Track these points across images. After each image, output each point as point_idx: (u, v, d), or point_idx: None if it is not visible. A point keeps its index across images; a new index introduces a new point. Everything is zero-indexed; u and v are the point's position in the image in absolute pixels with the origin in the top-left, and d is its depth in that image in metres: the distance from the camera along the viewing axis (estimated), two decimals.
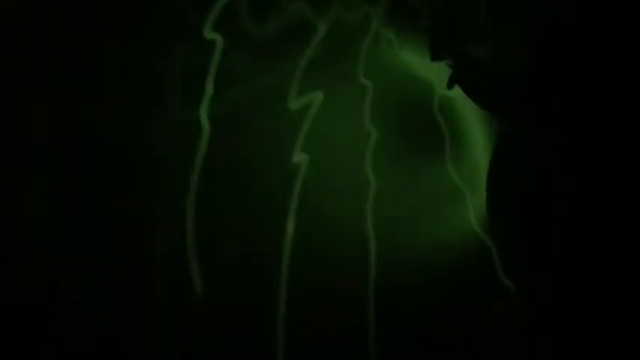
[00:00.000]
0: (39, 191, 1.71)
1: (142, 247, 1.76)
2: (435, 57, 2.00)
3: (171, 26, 1.93)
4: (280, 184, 1.91)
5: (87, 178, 1.76)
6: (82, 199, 1.74)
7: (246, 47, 2.01)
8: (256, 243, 1.85)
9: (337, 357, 1.83)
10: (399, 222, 1.98)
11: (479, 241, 2.04)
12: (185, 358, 1.72)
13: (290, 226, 1.87)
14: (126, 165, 1.80)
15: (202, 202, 1.82)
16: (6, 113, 1.74)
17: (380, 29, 2.23)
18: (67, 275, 1.68)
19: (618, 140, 1.98)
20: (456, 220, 2.06)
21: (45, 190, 1.71)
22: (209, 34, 1.96)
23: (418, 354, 1.89)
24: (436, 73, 2.23)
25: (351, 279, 1.89)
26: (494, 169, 2.02)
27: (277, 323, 1.78)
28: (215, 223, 1.83)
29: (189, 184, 1.83)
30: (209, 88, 1.92)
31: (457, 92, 2.20)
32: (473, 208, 2.10)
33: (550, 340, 1.92)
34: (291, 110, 2.00)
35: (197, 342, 1.73)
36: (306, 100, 2.02)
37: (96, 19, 1.86)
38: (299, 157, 1.94)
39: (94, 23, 1.86)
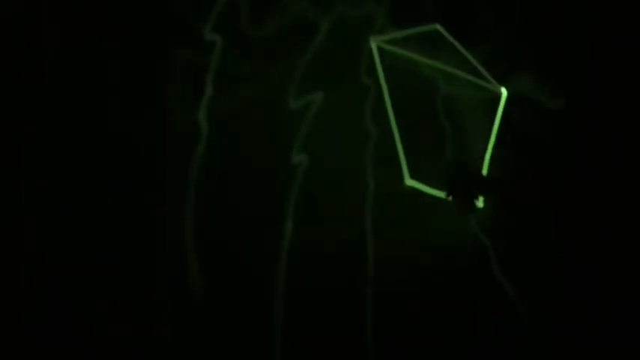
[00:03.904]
0: (39, 191, 1.75)
1: (142, 245, 1.79)
2: None
3: (171, 27, 1.96)
4: (279, 184, 1.92)
5: (86, 177, 1.79)
6: (82, 199, 1.76)
7: (246, 47, 2.02)
8: (255, 241, 1.87)
9: (335, 353, 1.84)
10: (398, 221, 1.98)
11: (478, 240, 2.03)
12: (184, 354, 1.75)
13: (288, 225, 1.89)
14: (125, 165, 1.83)
15: (201, 202, 1.85)
16: (6, 113, 1.78)
17: (384, 27, 2.22)
18: (67, 275, 1.71)
19: (625, 142, 2.00)
20: (454, 220, 2.05)
21: (45, 190, 1.75)
22: (209, 34, 1.98)
23: (416, 351, 1.90)
24: (440, 70, 2.22)
25: (348, 277, 1.89)
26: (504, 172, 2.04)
27: (276, 320, 1.80)
28: (214, 222, 1.85)
29: (189, 184, 1.85)
30: (208, 89, 1.94)
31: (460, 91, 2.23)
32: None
33: (552, 340, 1.92)
34: (292, 110, 2.01)
35: (196, 338, 1.76)
36: (306, 99, 2.02)
37: (96, 20, 1.90)
38: (298, 158, 1.95)
39: (94, 24, 1.89)
